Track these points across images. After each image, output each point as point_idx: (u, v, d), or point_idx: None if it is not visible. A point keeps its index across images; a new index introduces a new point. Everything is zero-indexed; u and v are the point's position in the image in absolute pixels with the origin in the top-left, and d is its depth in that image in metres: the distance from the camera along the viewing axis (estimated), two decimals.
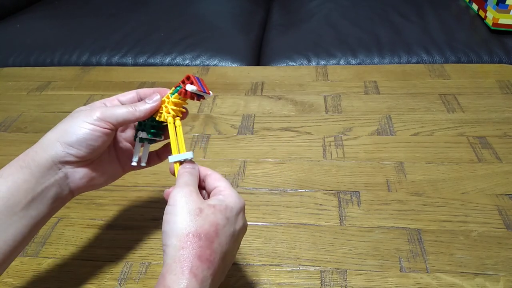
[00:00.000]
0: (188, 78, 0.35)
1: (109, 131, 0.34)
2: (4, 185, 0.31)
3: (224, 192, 0.32)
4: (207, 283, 0.28)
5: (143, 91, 0.37)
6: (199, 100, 0.36)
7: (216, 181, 0.34)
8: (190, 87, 0.34)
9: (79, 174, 0.34)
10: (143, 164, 0.39)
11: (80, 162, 0.34)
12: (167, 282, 0.27)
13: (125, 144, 0.39)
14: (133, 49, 0.95)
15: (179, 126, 0.36)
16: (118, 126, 0.34)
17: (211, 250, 0.28)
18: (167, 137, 0.37)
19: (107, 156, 0.37)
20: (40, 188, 0.32)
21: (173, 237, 0.28)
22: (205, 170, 0.35)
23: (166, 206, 0.31)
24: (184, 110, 0.37)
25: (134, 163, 0.38)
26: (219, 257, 0.29)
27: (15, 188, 0.31)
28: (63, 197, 0.34)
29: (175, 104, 0.36)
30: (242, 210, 0.32)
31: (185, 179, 0.32)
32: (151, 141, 0.39)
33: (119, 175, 0.39)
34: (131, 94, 0.37)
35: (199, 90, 0.35)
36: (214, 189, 0.33)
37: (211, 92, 0.36)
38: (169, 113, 0.36)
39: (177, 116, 0.36)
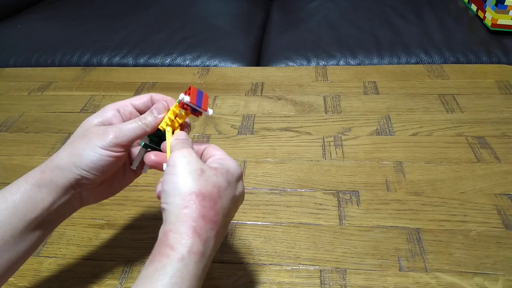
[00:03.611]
0: (189, 89, 0.34)
1: (124, 153, 0.33)
2: (21, 200, 0.31)
3: (224, 159, 0.32)
4: (210, 244, 0.27)
5: (156, 96, 0.37)
6: (197, 116, 0.35)
7: (214, 150, 0.34)
8: (181, 96, 0.34)
9: (93, 194, 0.35)
10: (144, 171, 0.38)
11: (94, 184, 0.34)
12: (170, 241, 0.26)
13: (138, 148, 0.39)
14: (134, 49, 0.96)
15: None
16: (131, 143, 0.34)
17: (215, 211, 0.28)
18: None
19: (121, 168, 0.37)
20: (55, 206, 0.32)
21: (175, 196, 0.28)
22: (202, 145, 0.35)
23: (166, 168, 0.30)
24: (180, 121, 0.35)
25: (133, 167, 0.38)
26: (221, 219, 0.29)
27: (32, 206, 0.31)
28: (73, 210, 0.35)
29: (174, 113, 0.35)
30: (241, 177, 0.32)
31: (182, 143, 0.32)
32: (155, 149, 0.37)
33: (131, 180, 0.39)
34: (145, 98, 0.36)
35: (191, 102, 0.33)
36: (212, 157, 0.33)
37: (210, 111, 0.35)
38: (165, 122, 0.35)
39: (171, 126, 0.35)
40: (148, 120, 0.34)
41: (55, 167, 0.32)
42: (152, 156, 0.34)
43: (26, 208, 0.30)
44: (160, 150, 0.37)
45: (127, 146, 0.33)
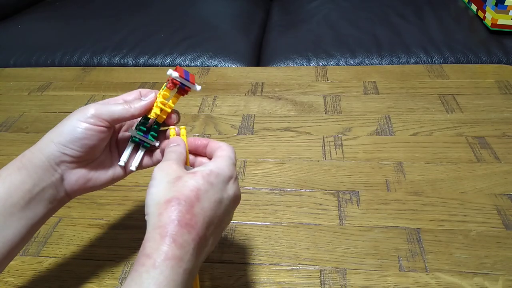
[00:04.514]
0: (175, 68, 0.35)
1: (104, 129, 0.33)
2: (2, 185, 0.31)
3: (217, 159, 0.32)
4: (189, 248, 0.27)
5: (145, 90, 0.37)
6: (186, 93, 0.36)
7: (219, 151, 0.34)
8: (170, 72, 0.34)
9: (75, 175, 0.34)
10: (132, 168, 0.37)
11: (76, 162, 0.33)
12: (146, 250, 0.26)
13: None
14: (134, 49, 0.96)
15: (184, 135, 0.36)
16: (113, 123, 0.34)
17: (191, 215, 0.28)
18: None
19: (109, 158, 0.37)
20: (36, 189, 0.32)
21: (152, 206, 0.28)
22: (206, 140, 0.35)
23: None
24: (172, 106, 0.36)
25: (121, 163, 0.37)
26: (201, 221, 0.28)
27: (13, 189, 0.31)
28: (59, 199, 0.34)
29: (164, 97, 0.36)
30: (231, 178, 0.32)
31: (166, 156, 0.33)
32: (145, 145, 0.37)
33: (120, 177, 0.38)
34: (135, 93, 0.37)
35: (180, 76, 0.34)
36: (214, 153, 0.33)
37: (198, 86, 0.36)
38: (158, 107, 0.35)
39: (163, 112, 0.36)
40: (134, 103, 0.34)
41: (35, 148, 0.32)
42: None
43: (7, 192, 0.30)
44: (149, 144, 0.37)
45: (108, 123, 0.33)
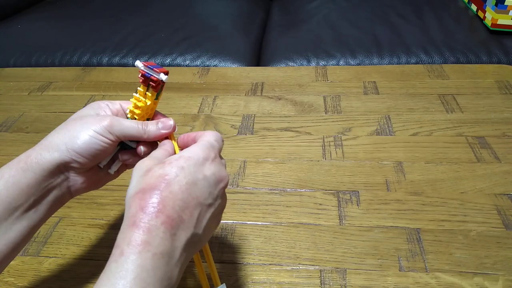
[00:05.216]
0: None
1: (112, 143, 0.33)
2: (5, 187, 0.30)
3: (194, 145, 0.32)
4: (158, 231, 0.27)
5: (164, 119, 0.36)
6: (157, 85, 0.34)
7: (200, 133, 0.34)
8: (136, 62, 0.34)
9: (81, 179, 0.34)
10: (110, 171, 0.37)
11: (82, 168, 0.34)
12: (117, 242, 0.27)
13: None
14: (134, 49, 0.96)
15: (171, 134, 0.35)
16: (122, 139, 0.34)
17: (158, 200, 0.27)
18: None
19: (111, 160, 0.37)
20: (42, 191, 0.31)
21: (126, 202, 0.29)
22: (193, 133, 0.35)
23: None
24: (146, 102, 0.35)
25: (100, 165, 0.36)
26: (171, 205, 0.28)
27: (17, 192, 0.30)
28: (62, 199, 0.34)
29: (140, 94, 0.35)
30: (206, 159, 0.31)
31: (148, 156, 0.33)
32: (125, 147, 0.36)
33: (115, 176, 0.38)
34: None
35: (144, 65, 0.34)
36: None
37: (163, 75, 0.34)
38: (132, 101, 0.35)
39: (141, 110, 0.35)
40: (149, 127, 0.34)
41: (42, 149, 0.32)
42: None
43: (11, 195, 0.30)
44: (131, 148, 0.36)
45: (117, 139, 0.33)
